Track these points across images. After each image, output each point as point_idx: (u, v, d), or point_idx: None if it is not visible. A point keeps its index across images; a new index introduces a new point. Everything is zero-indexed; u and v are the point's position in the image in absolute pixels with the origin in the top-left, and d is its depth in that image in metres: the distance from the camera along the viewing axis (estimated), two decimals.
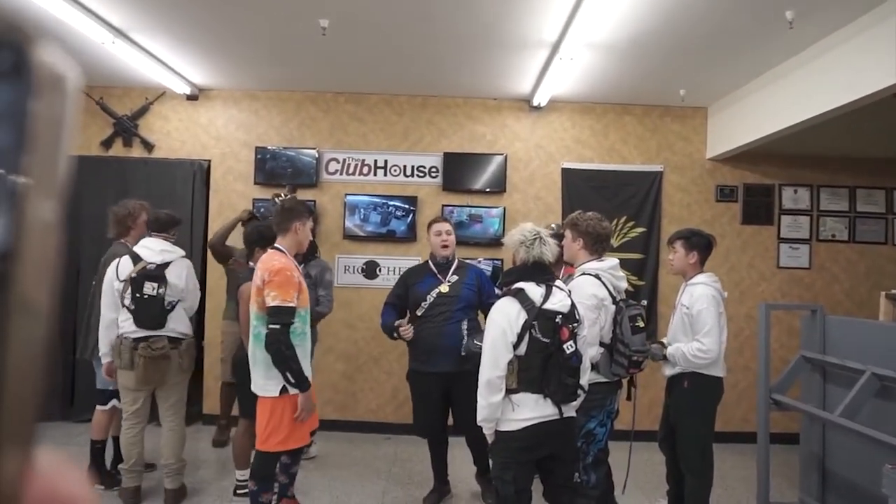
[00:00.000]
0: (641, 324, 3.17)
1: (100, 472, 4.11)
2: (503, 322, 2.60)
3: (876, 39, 3.48)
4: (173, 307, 3.81)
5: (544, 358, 2.58)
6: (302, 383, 3.06)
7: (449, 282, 3.91)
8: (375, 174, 5.74)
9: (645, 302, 5.36)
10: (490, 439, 2.71)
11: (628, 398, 3.40)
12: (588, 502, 3.14)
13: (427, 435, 4.04)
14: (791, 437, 4.74)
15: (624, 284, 3.29)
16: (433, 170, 5.74)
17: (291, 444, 3.16)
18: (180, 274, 3.85)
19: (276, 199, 5.06)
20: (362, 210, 5.66)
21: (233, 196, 5.73)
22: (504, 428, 2.63)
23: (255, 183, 5.70)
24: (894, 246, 5.84)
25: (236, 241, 4.84)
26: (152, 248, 3.83)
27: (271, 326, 2.99)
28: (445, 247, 3.96)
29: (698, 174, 5.81)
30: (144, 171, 5.71)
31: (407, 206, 5.66)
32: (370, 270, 5.69)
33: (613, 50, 4.36)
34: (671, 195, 5.79)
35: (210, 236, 5.05)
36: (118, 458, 4.10)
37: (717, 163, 5.79)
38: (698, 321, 3.35)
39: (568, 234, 3.33)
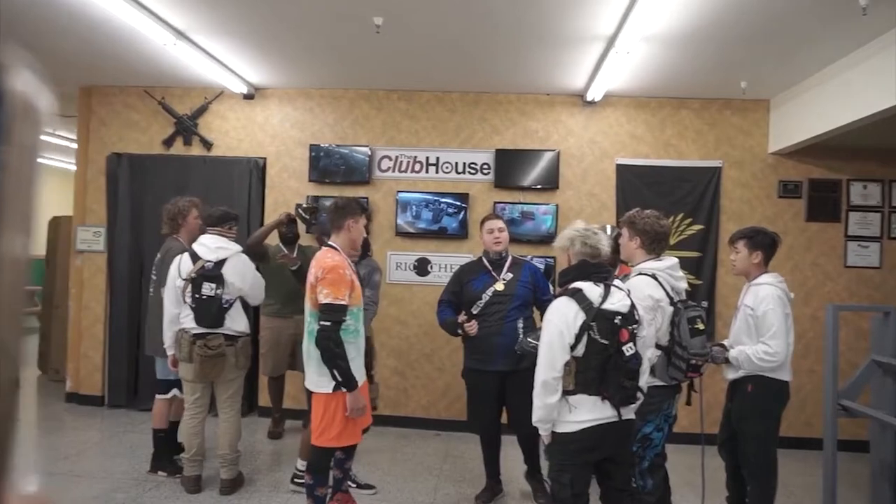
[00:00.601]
0: (701, 326, 3.05)
1: (162, 460, 4.26)
2: (560, 323, 2.54)
3: None
4: (231, 305, 3.91)
5: (603, 360, 2.52)
6: (348, 382, 3.06)
7: (504, 280, 3.87)
8: (427, 171, 5.75)
9: (706, 303, 5.20)
10: (546, 440, 2.67)
11: (688, 403, 3.30)
12: None
13: (482, 432, 4.04)
14: (858, 445, 4.54)
15: (683, 285, 3.18)
16: (485, 167, 5.71)
17: (344, 440, 3.18)
18: (235, 270, 3.92)
19: (299, 209, 5.18)
20: (414, 207, 5.68)
21: (288, 193, 5.84)
22: (561, 429, 2.59)
23: (310, 180, 5.79)
24: None
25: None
26: (208, 246, 3.92)
27: (322, 323, 3.02)
28: (498, 243, 3.93)
29: (759, 169, 5.60)
30: (203, 168, 5.88)
31: (459, 204, 5.65)
32: (422, 267, 5.71)
33: (671, 42, 4.23)
34: (730, 191, 5.60)
35: (251, 237, 5.17)
36: (180, 446, 4.24)
37: (779, 157, 5.57)
38: (764, 323, 3.22)
39: (625, 232, 3.24)
